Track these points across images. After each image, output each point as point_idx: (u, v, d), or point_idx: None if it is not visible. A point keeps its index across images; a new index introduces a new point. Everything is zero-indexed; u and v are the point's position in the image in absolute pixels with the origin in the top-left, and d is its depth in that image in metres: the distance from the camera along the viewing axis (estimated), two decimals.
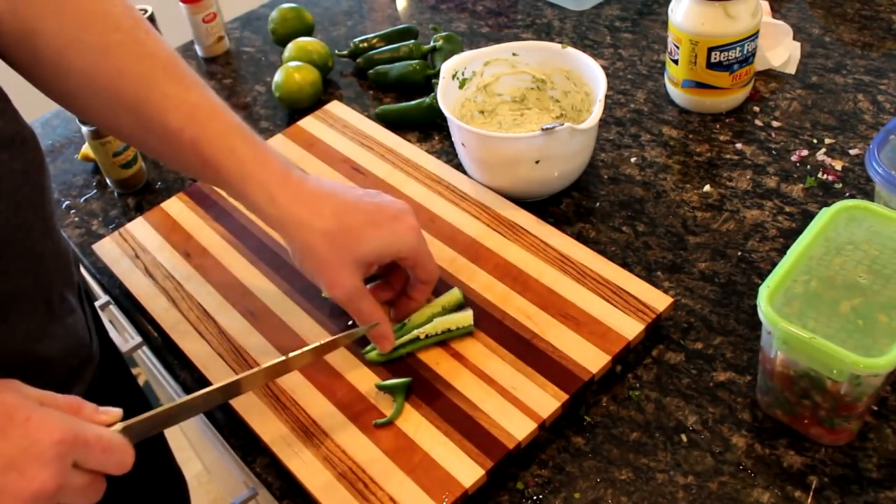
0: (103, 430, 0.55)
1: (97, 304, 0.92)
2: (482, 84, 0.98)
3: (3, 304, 0.60)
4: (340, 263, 0.67)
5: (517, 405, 0.71)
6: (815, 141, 0.95)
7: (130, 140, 0.69)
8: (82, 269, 1.01)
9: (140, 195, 1.03)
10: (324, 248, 0.67)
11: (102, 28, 0.64)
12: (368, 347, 0.76)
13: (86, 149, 1.09)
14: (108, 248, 0.93)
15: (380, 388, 0.73)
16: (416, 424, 0.71)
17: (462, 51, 1.07)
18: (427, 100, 1.04)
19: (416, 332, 0.75)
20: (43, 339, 0.65)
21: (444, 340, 0.76)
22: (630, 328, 0.75)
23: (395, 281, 0.78)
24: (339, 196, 0.69)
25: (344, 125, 1.03)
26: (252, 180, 0.66)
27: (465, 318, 0.76)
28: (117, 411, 0.58)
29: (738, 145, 0.96)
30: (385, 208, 0.71)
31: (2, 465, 0.49)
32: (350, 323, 0.79)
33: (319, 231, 0.67)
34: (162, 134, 0.65)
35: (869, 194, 0.87)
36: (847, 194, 0.88)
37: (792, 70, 1.05)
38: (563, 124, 0.82)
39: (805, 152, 0.93)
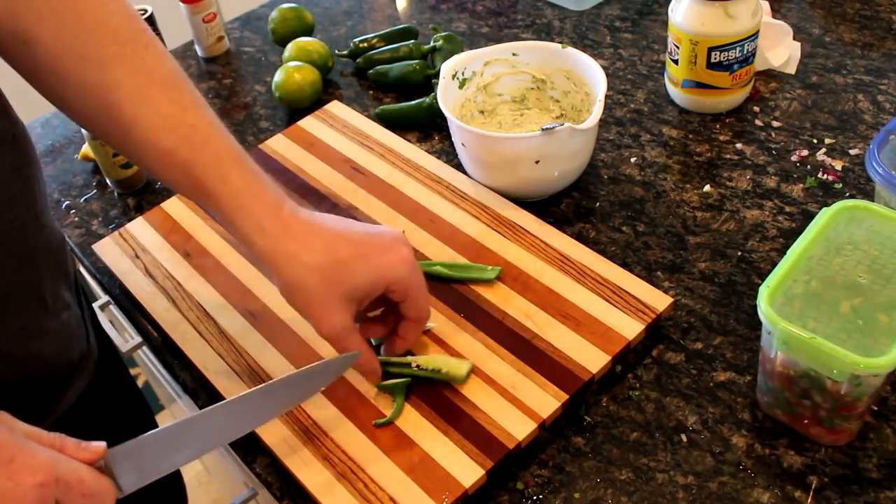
0: (85, 472, 0.54)
1: (97, 303, 0.92)
2: (482, 84, 0.98)
3: None
4: (330, 300, 0.65)
5: (517, 405, 0.71)
6: (815, 141, 0.95)
7: (122, 152, 0.67)
8: (82, 269, 1.01)
9: (140, 195, 1.03)
10: (313, 284, 0.65)
11: (100, 39, 0.62)
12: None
13: (86, 149, 1.09)
14: (108, 248, 0.93)
15: (380, 388, 0.73)
16: (416, 424, 0.71)
17: (462, 51, 1.07)
18: (427, 100, 1.04)
19: (410, 359, 0.74)
20: (38, 336, 0.65)
21: (431, 378, 0.74)
22: (630, 328, 0.75)
23: (390, 318, 0.74)
24: (330, 228, 0.67)
25: (344, 125, 1.03)
26: (242, 210, 0.64)
27: (460, 367, 0.72)
28: (100, 447, 0.56)
29: (738, 145, 0.96)
30: (377, 239, 0.68)
31: None
32: None
33: (309, 266, 0.64)
34: (153, 153, 0.64)
35: (869, 194, 0.87)
36: (847, 194, 0.88)
37: (792, 70, 1.05)
38: (563, 124, 0.82)
39: (805, 152, 0.93)
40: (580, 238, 0.87)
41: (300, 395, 0.68)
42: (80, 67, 0.62)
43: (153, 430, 0.60)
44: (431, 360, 0.74)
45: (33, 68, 0.62)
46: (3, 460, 0.51)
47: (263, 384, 0.65)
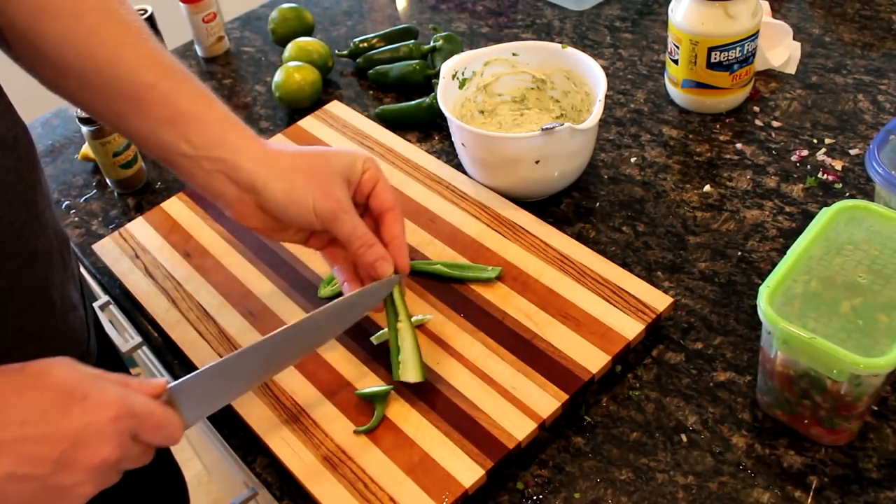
0: (154, 405, 0.58)
1: (97, 303, 0.92)
2: (482, 84, 0.98)
3: None
4: (328, 178, 0.69)
5: (517, 405, 0.71)
6: (815, 141, 0.95)
7: (93, 102, 0.68)
8: (82, 269, 1.01)
9: (140, 195, 1.03)
10: (309, 169, 0.69)
11: None
12: (323, 282, 0.82)
13: (86, 149, 1.09)
14: (108, 248, 0.93)
15: (360, 396, 0.73)
16: (416, 424, 0.71)
17: (462, 51, 1.07)
18: (427, 100, 1.04)
19: (401, 323, 0.74)
20: (36, 338, 0.65)
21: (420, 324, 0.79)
22: (630, 328, 0.75)
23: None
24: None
25: (344, 125, 1.03)
26: (236, 125, 0.68)
27: (409, 373, 0.73)
28: (161, 382, 0.60)
29: (738, 145, 0.96)
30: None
31: (69, 442, 0.52)
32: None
33: (296, 160, 0.69)
34: (131, 90, 0.65)
35: (869, 194, 0.87)
36: (847, 194, 0.88)
37: (792, 70, 1.05)
38: (563, 124, 0.82)
39: (805, 152, 0.93)
40: (580, 238, 0.87)
41: (345, 322, 0.71)
42: (57, 20, 0.64)
43: (209, 364, 0.63)
44: (410, 342, 0.73)
45: (10, 29, 0.65)
46: (78, 398, 0.53)
47: (309, 314, 0.68)
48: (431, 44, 1.14)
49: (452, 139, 0.93)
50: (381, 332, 0.78)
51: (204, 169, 0.67)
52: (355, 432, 0.71)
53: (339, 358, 0.77)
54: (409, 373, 0.72)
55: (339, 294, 0.81)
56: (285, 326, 0.67)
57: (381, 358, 0.76)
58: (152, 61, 0.66)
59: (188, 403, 0.61)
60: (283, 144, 0.70)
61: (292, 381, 0.75)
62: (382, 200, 0.72)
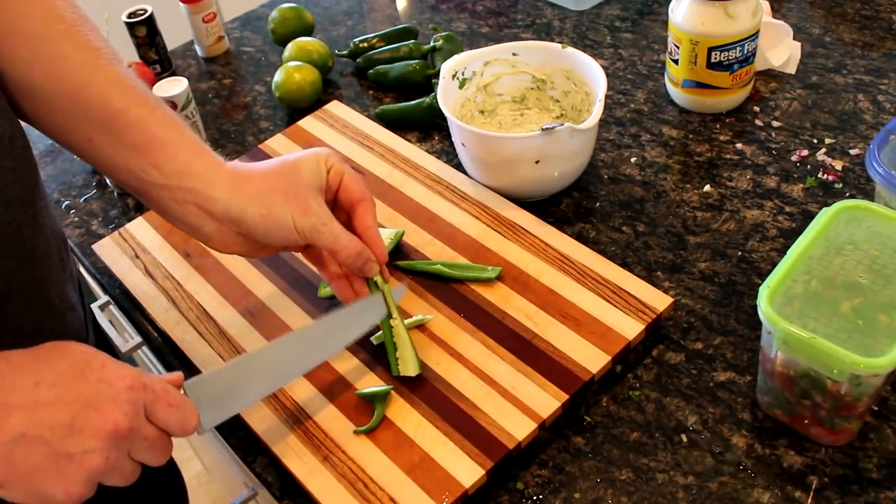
0: (170, 386, 0.58)
1: (97, 303, 0.92)
2: (482, 84, 0.98)
3: None
4: (302, 193, 0.69)
5: (517, 405, 0.71)
6: (815, 141, 0.95)
7: (59, 131, 0.67)
8: (82, 269, 1.01)
9: None
10: (282, 187, 0.68)
11: (46, 18, 0.64)
12: (323, 282, 0.81)
13: None
14: (108, 248, 0.93)
15: (360, 396, 0.73)
16: (416, 424, 0.71)
17: (462, 51, 1.07)
18: (427, 100, 1.04)
19: (395, 320, 0.74)
20: (34, 338, 0.65)
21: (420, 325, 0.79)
22: (630, 328, 0.75)
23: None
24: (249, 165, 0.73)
25: (344, 125, 1.03)
26: (204, 152, 0.67)
27: (408, 366, 0.74)
28: (177, 373, 0.61)
29: (738, 145, 0.96)
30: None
31: (81, 405, 0.53)
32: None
33: (270, 174, 0.68)
34: (101, 115, 0.64)
35: (869, 194, 0.87)
36: (847, 194, 0.88)
37: (792, 70, 1.05)
38: (563, 124, 0.82)
39: (805, 152, 0.93)
40: (580, 238, 0.87)
41: (360, 327, 0.72)
42: (25, 44, 0.64)
43: (224, 364, 0.64)
44: (405, 338, 0.74)
45: None
46: (96, 367, 0.54)
47: (324, 315, 0.70)
48: (431, 44, 1.14)
49: (452, 139, 0.93)
50: (381, 332, 0.78)
51: (177, 200, 0.66)
52: (355, 432, 0.71)
53: (338, 358, 0.77)
54: (410, 367, 0.73)
55: None
56: (294, 330, 0.68)
57: (381, 358, 0.76)
58: (124, 87, 0.65)
59: (205, 403, 0.61)
60: (249, 165, 0.69)
61: (292, 382, 0.75)
62: (351, 193, 0.72)
